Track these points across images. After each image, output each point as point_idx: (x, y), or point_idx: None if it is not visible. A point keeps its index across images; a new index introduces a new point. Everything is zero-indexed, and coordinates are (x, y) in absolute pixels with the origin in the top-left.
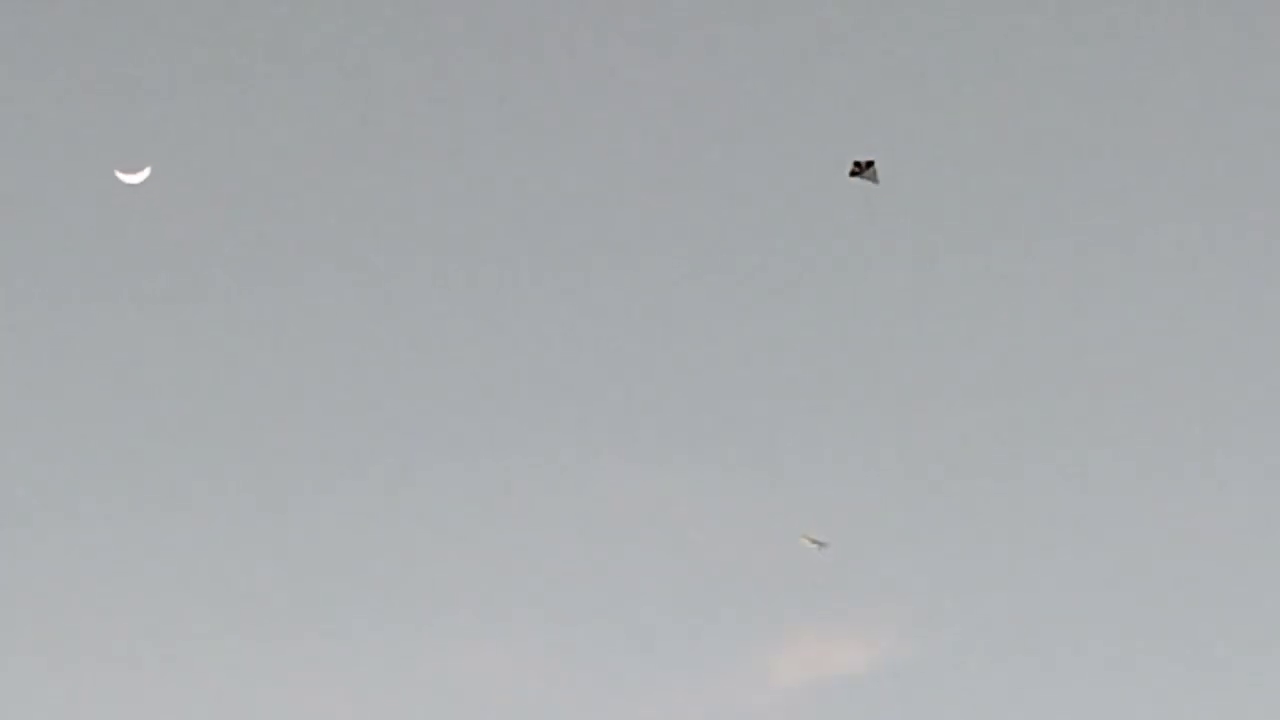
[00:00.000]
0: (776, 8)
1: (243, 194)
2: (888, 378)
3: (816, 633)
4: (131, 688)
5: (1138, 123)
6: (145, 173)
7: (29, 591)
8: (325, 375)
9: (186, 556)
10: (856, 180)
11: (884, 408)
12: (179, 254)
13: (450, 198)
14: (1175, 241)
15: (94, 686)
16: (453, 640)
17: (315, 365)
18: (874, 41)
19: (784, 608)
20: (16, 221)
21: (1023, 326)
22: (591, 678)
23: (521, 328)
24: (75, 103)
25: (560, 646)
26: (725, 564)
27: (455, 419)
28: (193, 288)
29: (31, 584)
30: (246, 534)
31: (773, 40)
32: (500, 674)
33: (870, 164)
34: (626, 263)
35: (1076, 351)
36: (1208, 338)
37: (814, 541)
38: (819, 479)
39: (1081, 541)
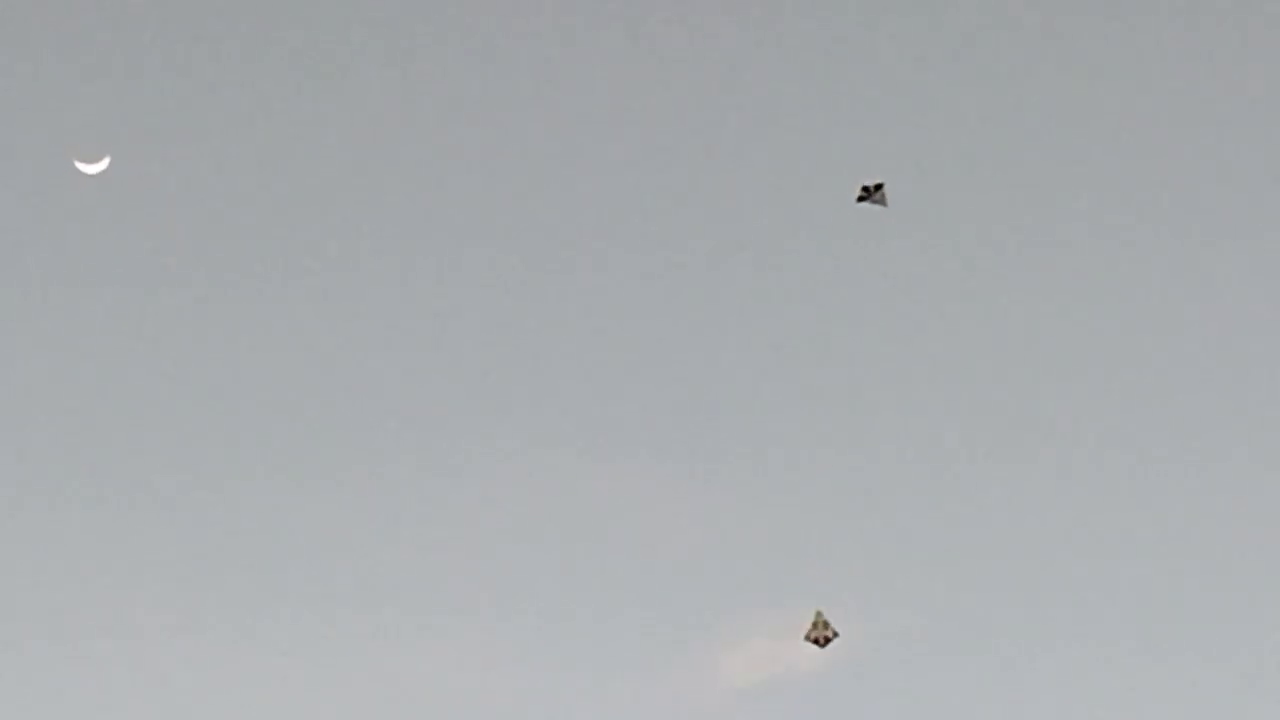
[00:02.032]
0: (781, 10)
1: (211, 185)
2: (839, 375)
3: (769, 630)
4: (89, 682)
5: (1135, 126)
6: (105, 162)
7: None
8: (281, 372)
9: (143, 550)
10: (855, 199)
11: (837, 405)
12: (141, 247)
13: (419, 197)
14: (1174, 245)
15: (52, 680)
16: (394, 638)
17: (271, 362)
18: (876, 44)
19: (736, 605)
20: None
21: (991, 325)
22: (539, 676)
23: (474, 323)
24: (30, 89)
25: (506, 644)
26: (675, 560)
27: (409, 415)
28: (156, 281)
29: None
30: (203, 529)
31: (773, 42)
32: (446, 671)
33: (879, 187)
34: (582, 261)
35: (1035, 353)
36: (1180, 346)
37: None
38: (773, 475)
39: (1040, 542)
